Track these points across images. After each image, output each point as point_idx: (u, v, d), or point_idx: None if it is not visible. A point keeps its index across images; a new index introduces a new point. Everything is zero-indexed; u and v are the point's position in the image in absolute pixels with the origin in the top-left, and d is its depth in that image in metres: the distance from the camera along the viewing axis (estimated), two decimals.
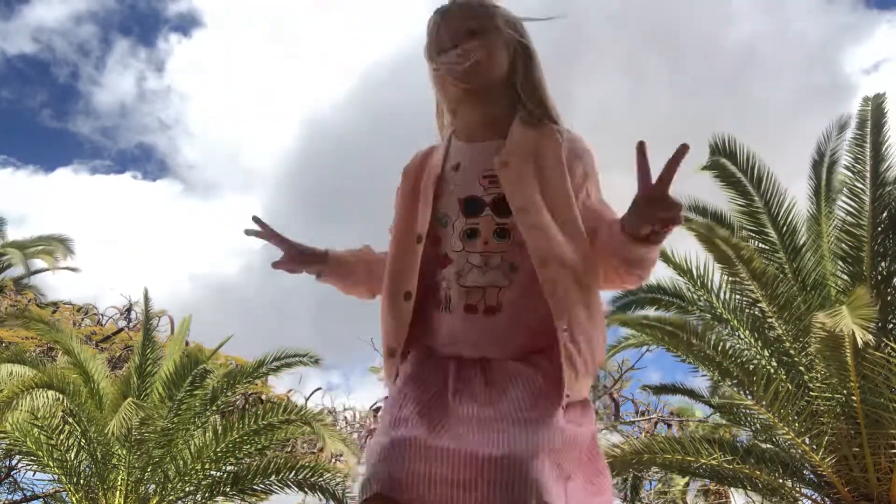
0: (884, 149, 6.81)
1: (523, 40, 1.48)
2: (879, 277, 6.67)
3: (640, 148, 1.21)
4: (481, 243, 1.34)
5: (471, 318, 1.33)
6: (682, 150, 1.19)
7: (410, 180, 1.49)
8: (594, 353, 1.32)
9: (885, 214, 6.69)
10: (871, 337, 5.16)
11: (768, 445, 6.86)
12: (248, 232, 1.60)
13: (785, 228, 7.08)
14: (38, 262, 12.77)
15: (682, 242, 6.94)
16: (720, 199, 7.54)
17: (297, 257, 1.58)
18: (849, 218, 6.83)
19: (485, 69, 1.43)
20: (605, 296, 8.61)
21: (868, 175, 6.79)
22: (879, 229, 6.67)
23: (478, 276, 1.33)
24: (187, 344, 9.06)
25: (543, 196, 1.34)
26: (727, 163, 7.26)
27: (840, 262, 6.86)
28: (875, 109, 6.95)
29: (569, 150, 1.40)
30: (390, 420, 1.25)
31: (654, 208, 1.20)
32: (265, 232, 1.60)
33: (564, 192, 1.36)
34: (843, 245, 6.82)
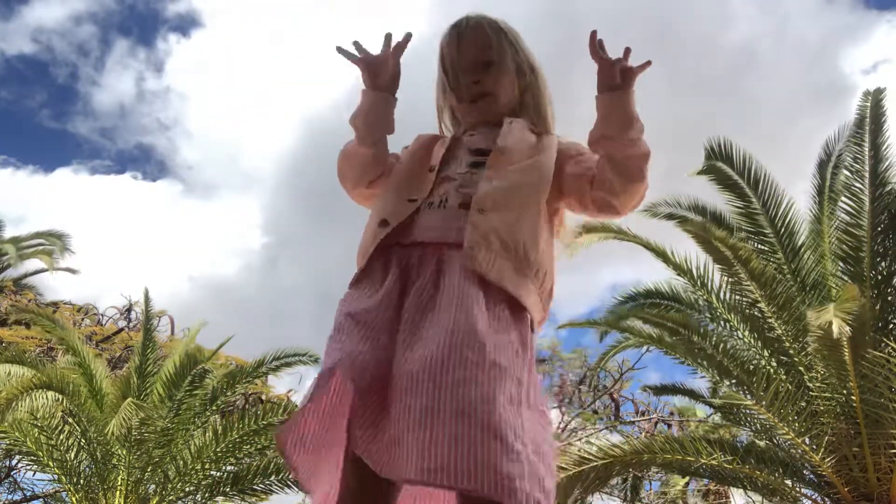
0: (884, 148, 6.79)
1: (531, 62, 1.66)
2: (879, 277, 6.66)
3: (592, 36, 1.49)
4: (487, 170, 1.51)
5: (459, 213, 1.45)
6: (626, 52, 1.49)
7: (422, 143, 1.67)
8: (518, 244, 1.41)
9: (884, 215, 6.68)
10: (848, 329, 5.16)
11: (767, 442, 6.85)
12: (340, 50, 1.62)
13: (783, 229, 7.07)
14: (38, 263, 12.77)
15: (681, 243, 6.95)
16: (719, 199, 7.56)
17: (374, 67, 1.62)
18: (848, 218, 6.82)
19: (498, 102, 1.63)
20: (606, 299, 8.58)
21: (867, 174, 6.77)
22: (879, 229, 6.66)
23: (482, 186, 1.47)
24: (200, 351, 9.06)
25: (521, 153, 1.54)
26: (723, 166, 7.26)
27: (840, 263, 6.86)
28: (874, 106, 6.92)
29: (562, 143, 1.63)
30: (356, 322, 1.36)
31: (611, 67, 1.47)
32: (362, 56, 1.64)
33: (537, 163, 1.55)
34: (843, 245, 6.81)
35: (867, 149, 6.84)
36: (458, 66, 1.63)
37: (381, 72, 1.59)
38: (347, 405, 1.34)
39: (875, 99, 6.97)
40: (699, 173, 7.32)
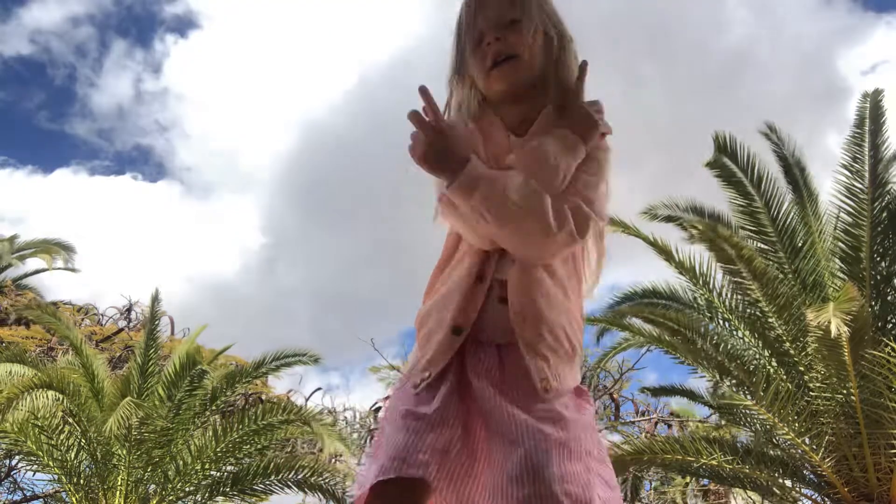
0: (883, 148, 6.78)
1: (559, 26, 1.48)
2: (879, 277, 6.66)
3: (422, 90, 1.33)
4: None
5: (502, 308, 1.39)
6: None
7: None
8: (559, 337, 1.37)
9: (884, 214, 6.67)
10: (846, 329, 5.16)
11: (767, 443, 6.85)
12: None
13: (784, 229, 7.06)
14: (39, 263, 12.79)
15: (684, 242, 6.93)
16: (719, 199, 7.55)
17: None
18: (847, 217, 6.82)
19: (524, 66, 1.44)
20: (604, 300, 8.54)
21: (867, 175, 6.77)
22: (879, 229, 6.65)
23: (505, 266, 1.40)
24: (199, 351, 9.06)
25: None
26: (728, 161, 7.25)
27: (839, 262, 6.86)
28: (874, 106, 6.92)
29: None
30: (418, 419, 1.32)
31: None
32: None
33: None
34: (842, 245, 6.81)
35: (867, 149, 6.83)
36: (481, 24, 1.44)
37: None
38: None
39: (874, 100, 6.96)
40: (707, 165, 7.30)
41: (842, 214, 6.88)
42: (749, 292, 6.54)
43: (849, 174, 6.88)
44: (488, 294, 1.39)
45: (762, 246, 7.12)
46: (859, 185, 6.80)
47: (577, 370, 1.43)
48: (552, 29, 1.46)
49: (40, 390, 7.37)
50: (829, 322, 5.12)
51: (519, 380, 1.33)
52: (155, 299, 9.03)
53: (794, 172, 7.35)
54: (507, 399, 1.30)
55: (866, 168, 6.78)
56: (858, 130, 6.95)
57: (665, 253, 6.89)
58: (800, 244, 7.02)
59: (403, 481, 1.24)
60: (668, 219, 7.72)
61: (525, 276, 1.35)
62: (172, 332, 12.79)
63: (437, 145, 1.32)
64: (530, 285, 1.35)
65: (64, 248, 12.44)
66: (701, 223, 6.71)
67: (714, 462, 6.32)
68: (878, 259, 6.67)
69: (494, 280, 1.39)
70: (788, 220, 7.08)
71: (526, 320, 1.35)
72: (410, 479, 1.24)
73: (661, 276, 7.70)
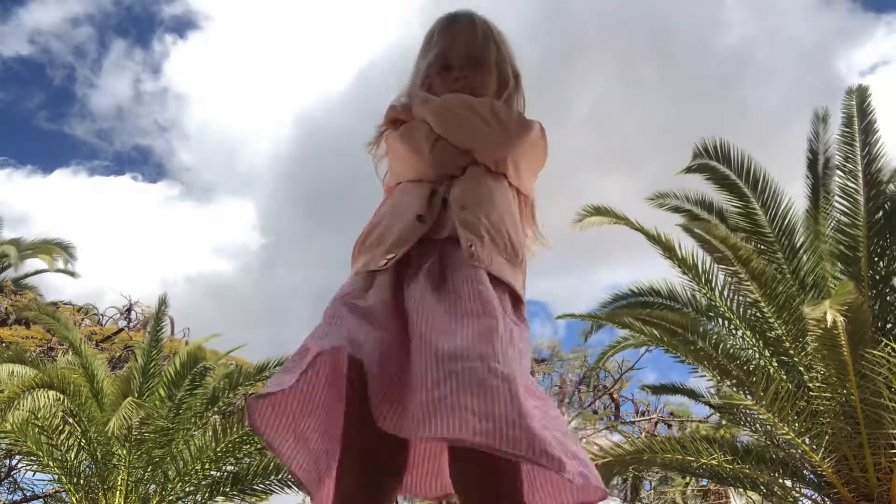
0: (876, 148, 6.75)
1: (514, 66, 1.72)
2: (877, 277, 6.66)
3: None
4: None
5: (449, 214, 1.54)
6: None
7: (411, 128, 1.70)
8: (499, 228, 1.50)
9: (880, 214, 6.66)
10: (842, 318, 5.16)
11: (767, 443, 6.85)
12: None
13: (782, 229, 7.05)
14: (38, 263, 12.78)
15: (687, 239, 6.91)
16: (720, 198, 7.53)
17: None
18: (844, 218, 6.80)
19: None
20: (602, 299, 8.50)
21: (860, 174, 6.76)
22: (875, 229, 6.65)
23: (454, 187, 1.58)
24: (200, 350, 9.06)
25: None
26: (719, 165, 7.24)
27: (838, 263, 6.85)
28: (860, 104, 6.87)
29: None
30: (353, 304, 1.40)
31: None
32: None
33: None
34: (840, 245, 6.81)
35: (858, 148, 6.80)
36: (451, 55, 1.67)
37: None
38: (335, 392, 1.37)
39: (860, 97, 6.90)
40: (685, 171, 7.31)
41: (838, 215, 6.87)
42: (748, 292, 6.54)
43: (843, 174, 6.86)
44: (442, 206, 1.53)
45: (760, 246, 7.11)
46: (853, 185, 6.78)
47: (520, 279, 1.52)
48: (508, 69, 1.70)
49: (40, 390, 7.37)
50: (825, 314, 5.12)
51: (456, 266, 1.43)
52: (162, 302, 9.07)
53: (819, 169, 7.31)
54: (437, 294, 1.37)
55: (859, 168, 6.76)
56: (847, 129, 6.89)
57: (668, 250, 6.84)
58: (799, 243, 7.01)
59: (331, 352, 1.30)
60: (676, 209, 7.70)
61: (473, 180, 1.55)
62: (172, 332, 12.79)
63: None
64: (477, 185, 1.54)
65: (64, 248, 12.43)
66: (698, 224, 6.70)
67: (714, 462, 6.32)
68: (876, 259, 6.67)
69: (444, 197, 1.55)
70: (787, 219, 7.07)
71: (466, 207, 1.49)
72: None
73: (660, 274, 7.68)
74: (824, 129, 7.31)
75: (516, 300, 1.47)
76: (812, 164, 7.37)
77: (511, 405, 1.15)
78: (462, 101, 1.58)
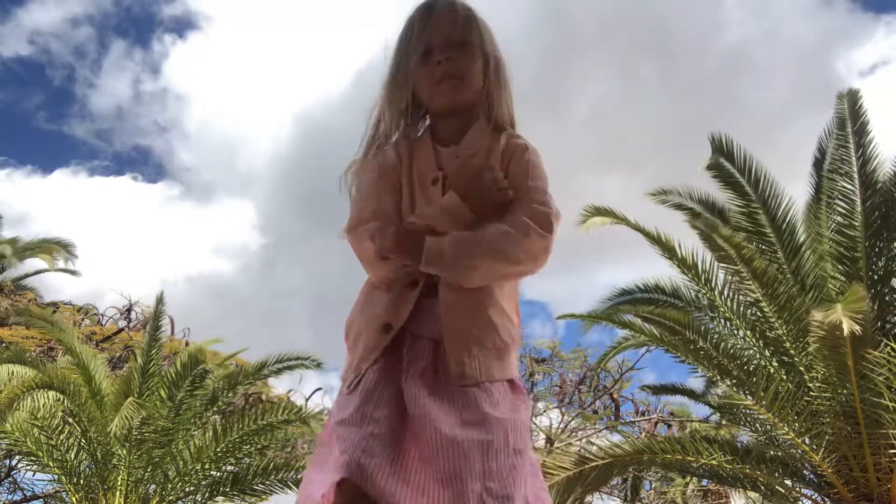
0: (870, 149, 6.78)
1: (497, 56, 1.63)
2: (876, 277, 6.67)
3: None
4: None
5: (434, 302, 1.47)
6: None
7: (386, 173, 1.59)
8: (486, 338, 1.45)
9: (876, 215, 6.68)
10: (858, 328, 5.16)
11: (767, 443, 6.85)
12: None
13: (784, 228, 7.06)
14: (38, 263, 12.79)
15: (688, 239, 6.91)
16: (722, 196, 7.52)
17: None
18: (841, 219, 6.82)
19: (467, 86, 1.58)
20: (603, 296, 8.49)
21: (856, 176, 6.79)
22: (872, 230, 6.66)
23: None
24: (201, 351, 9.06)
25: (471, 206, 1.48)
26: (725, 162, 7.24)
27: (837, 263, 6.86)
28: (852, 107, 6.91)
29: (509, 151, 1.58)
30: (360, 415, 1.37)
31: None
32: None
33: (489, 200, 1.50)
34: (839, 246, 6.82)
35: (852, 150, 6.84)
36: (431, 40, 1.57)
37: None
38: None
39: (852, 100, 6.96)
40: (707, 168, 7.29)
41: (835, 216, 6.89)
42: (749, 292, 6.54)
43: (838, 176, 6.90)
44: (422, 292, 1.47)
45: (762, 246, 7.11)
46: (850, 187, 6.82)
47: (512, 361, 1.50)
48: (491, 55, 1.61)
49: (41, 390, 7.37)
50: (841, 322, 5.11)
51: (447, 375, 1.41)
52: (160, 301, 9.06)
53: (824, 169, 7.31)
54: (436, 399, 1.37)
55: (854, 169, 6.80)
56: (841, 132, 6.95)
57: (668, 250, 6.84)
58: (799, 244, 7.01)
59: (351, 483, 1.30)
60: (679, 206, 7.69)
61: (450, 295, 1.45)
62: (172, 332, 12.79)
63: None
64: (455, 305, 1.45)
65: (64, 247, 12.43)
66: (702, 221, 6.69)
67: (714, 462, 6.32)
68: (875, 259, 6.68)
69: (426, 281, 1.47)
70: (787, 219, 7.08)
71: (452, 337, 1.43)
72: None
73: (662, 273, 7.65)
74: (833, 136, 7.33)
75: (512, 383, 1.48)
76: (818, 164, 7.39)
77: None
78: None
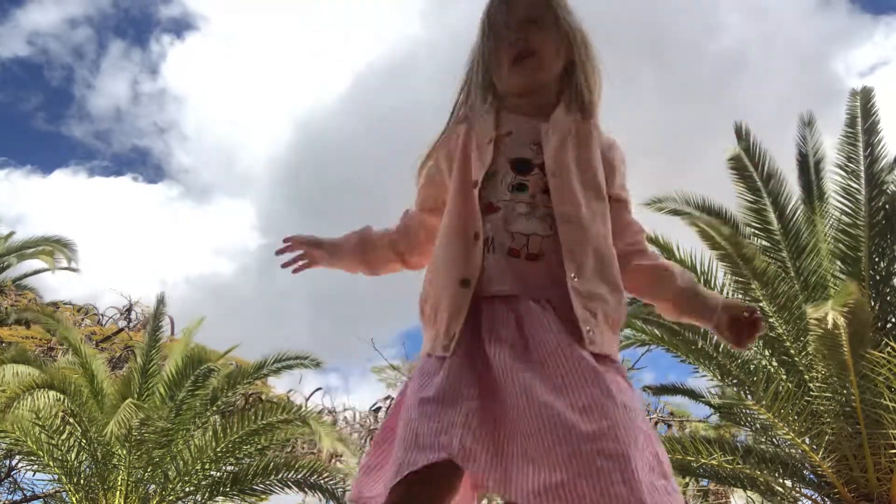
0: (879, 148, 6.77)
1: (583, 34, 1.57)
2: (878, 277, 6.66)
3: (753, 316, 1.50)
4: (528, 196, 1.44)
5: (513, 262, 1.39)
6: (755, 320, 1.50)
7: (457, 142, 1.55)
8: (608, 310, 1.38)
9: (881, 214, 6.67)
10: (843, 321, 5.16)
11: (768, 443, 6.85)
12: (280, 252, 1.75)
13: (790, 227, 7.05)
14: (38, 263, 12.78)
15: (687, 239, 6.93)
16: (723, 198, 7.53)
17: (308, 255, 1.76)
18: (845, 218, 6.81)
19: (542, 66, 1.53)
20: None
21: (862, 174, 6.77)
22: (876, 230, 6.65)
23: (524, 224, 1.41)
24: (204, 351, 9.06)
25: (578, 170, 1.47)
26: (743, 155, 7.22)
27: (839, 263, 6.86)
28: (864, 105, 6.89)
29: (603, 140, 1.56)
30: (453, 392, 1.27)
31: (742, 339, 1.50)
32: (296, 245, 1.75)
33: (594, 171, 1.50)
34: (841, 245, 6.81)
35: (861, 149, 6.82)
36: (506, 23, 1.53)
37: (313, 257, 1.74)
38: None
39: (864, 98, 6.92)
40: (728, 158, 7.26)
41: (839, 215, 6.88)
42: (750, 291, 6.53)
43: (844, 174, 6.88)
44: (486, 248, 1.40)
45: (766, 244, 7.10)
46: (855, 186, 6.80)
47: (617, 343, 1.43)
48: (572, 31, 1.54)
49: (41, 390, 7.37)
50: (827, 315, 5.12)
51: (549, 332, 1.30)
52: (160, 301, 9.07)
53: (811, 170, 7.32)
54: (532, 372, 1.26)
55: (861, 168, 6.77)
56: (851, 130, 6.91)
57: (667, 251, 6.87)
58: (804, 243, 7.01)
59: (424, 472, 1.19)
60: (675, 212, 7.69)
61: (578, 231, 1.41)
62: (172, 332, 12.79)
63: None
64: (583, 240, 1.40)
65: (64, 246, 12.42)
66: (703, 221, 6.69)
67: (714, 462, 6.32)
68: (877, 259, 6.67)
69: (489, 236, 1.41)
70: (794, 218, 7.07)
71: (583, 275, 1.36)
72: (431, 467, 1.19)
73: None
74: (811, 133, 7.35)
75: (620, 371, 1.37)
76: (803, 166, 7.39)
77: (625, 489, 1.12)
78: None
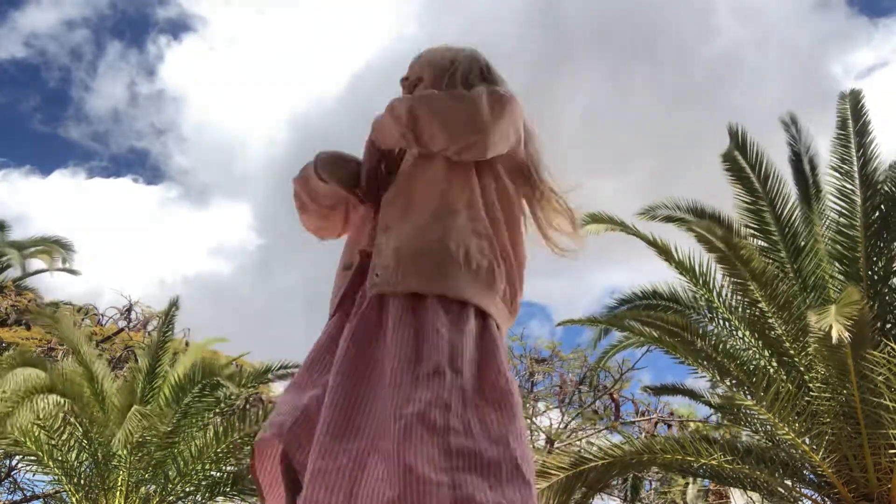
0: (871, 149, 6.78)
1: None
2: (876, 278, 6.66)
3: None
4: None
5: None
6: None
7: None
8: (426, 246, 1.43)
9: (876, 215, 6.67)
10: (847, 334, 5.15)
11: (767, 443, 6.85)
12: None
13: (788, 228, 7.06)
14: (38, 263, 12.79)
15: (684, 242, 6.91)
16: (718, 199, 7.53)
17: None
18: (841, 219, 6.82)
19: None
20: (603, 302, 8.54)
21: (856, 175, 6.78)
22: (872, 230, 6.66)
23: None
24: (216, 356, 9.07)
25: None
26: (739, 156, 7.22)
27: (836, 263, 6.86)
28: (854, 107, 6.91)
29: None
30: (308, 377, 1.43)
31: None
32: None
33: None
34: (838, 246, 6.81)
35: (853, 150, 6.84)
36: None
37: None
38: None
39: (854, 101, 6.97)
40: (723, 159, 7.27)
41: (835, 216, 6.89)
42: (749, 292, 6.53)
43: (839, 175, 6.90)
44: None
45: (764, 245, 7.10)
46: (850, 187, 6.82)
47: (469, 284, 1.42)
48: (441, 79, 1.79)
49: (43, 392, 7.36)
50: (831, 327, 5.11)
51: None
52: (174, 304, 9.09)
53: (805, 170, 7.33)
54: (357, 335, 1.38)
55: (855, 169, 6.80)
56: (843, 132, 6.95)
57: (665, 253, 6.87)
58: (802, 244, 7.01)
59: (266, 441, 1.36)
60: (668, 219, 7.70)
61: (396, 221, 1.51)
62: (172, 333, 12.77)
63: None
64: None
65: (63, 247, 12.42)
66: (700, 224, 6.69)
67: (714, 462, 6.32)
68: (875, 259, 6.67)
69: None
70: (792, 219, 7.07)
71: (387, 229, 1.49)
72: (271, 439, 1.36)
73: (660, 276, 7.69)
74: (798, 132, 7.36)
75: (449, 303, 1.39)
76: (797, 166, 7.39)
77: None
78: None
